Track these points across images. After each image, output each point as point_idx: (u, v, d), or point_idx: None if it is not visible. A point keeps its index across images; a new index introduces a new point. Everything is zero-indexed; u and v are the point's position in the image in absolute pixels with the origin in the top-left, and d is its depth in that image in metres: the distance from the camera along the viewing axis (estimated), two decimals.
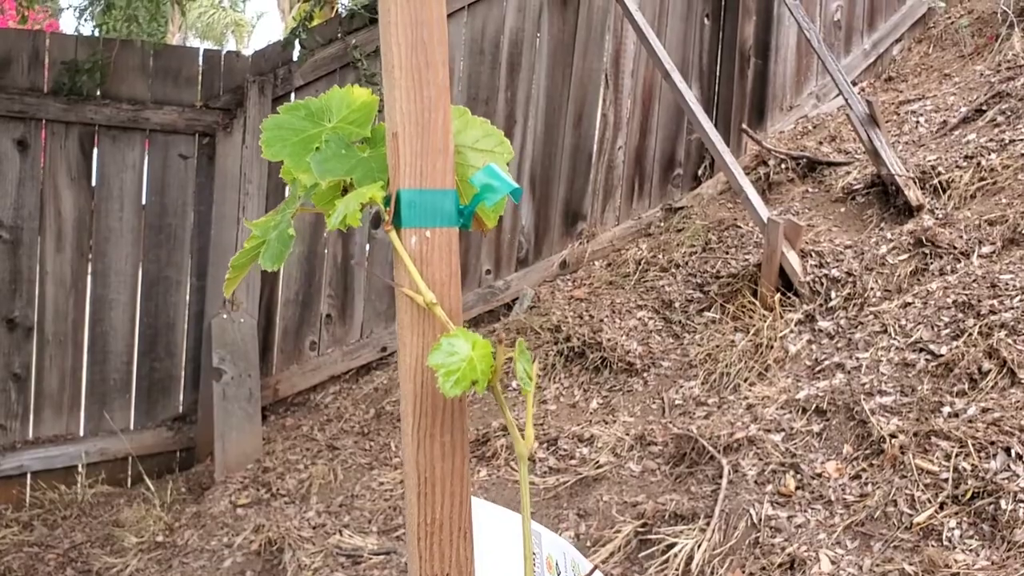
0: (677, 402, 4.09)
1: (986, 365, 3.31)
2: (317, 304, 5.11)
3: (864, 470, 3.17)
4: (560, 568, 1.13)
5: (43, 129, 4.60)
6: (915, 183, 4.61)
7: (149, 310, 4.83)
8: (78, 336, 4.71)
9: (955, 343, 3.49)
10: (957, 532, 2.80)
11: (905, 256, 4.21)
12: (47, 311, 4.64)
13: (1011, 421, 3.02)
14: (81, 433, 4.74)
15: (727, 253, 4.95)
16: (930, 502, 2.91)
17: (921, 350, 3.58)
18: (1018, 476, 2.84)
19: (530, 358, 0.86)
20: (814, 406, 3.54)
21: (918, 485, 2.98)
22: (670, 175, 5.83)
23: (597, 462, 3.77)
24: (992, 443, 2.97)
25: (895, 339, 3.70)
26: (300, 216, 0.96)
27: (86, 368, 4.74)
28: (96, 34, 5.12)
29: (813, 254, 4.41)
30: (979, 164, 4.57)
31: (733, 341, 4.23)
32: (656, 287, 4.96)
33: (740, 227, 5.12)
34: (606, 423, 4.09)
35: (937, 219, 4.38)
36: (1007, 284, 3.66)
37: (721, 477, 3.33)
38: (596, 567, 2.93)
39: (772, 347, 4.06)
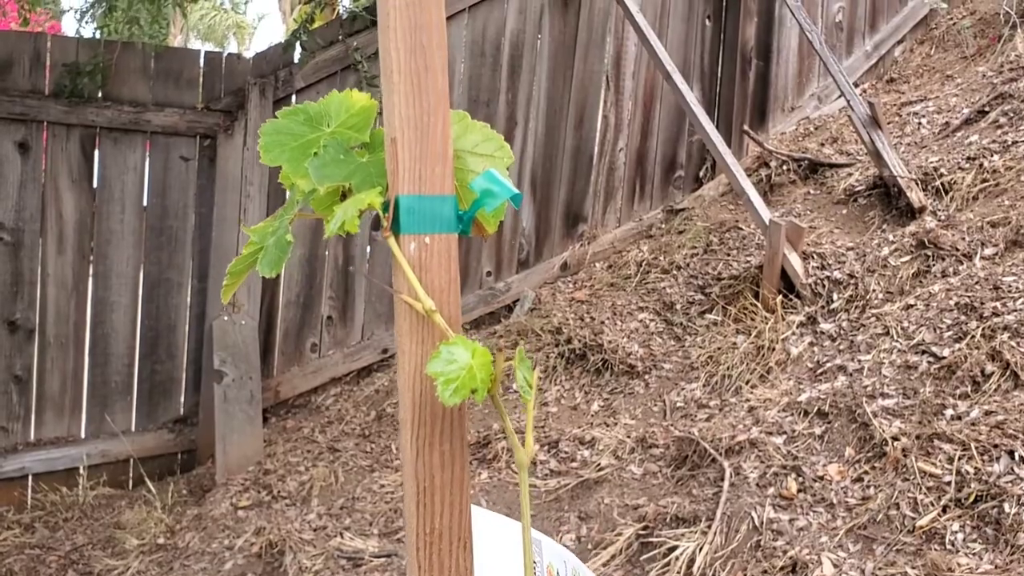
0: (678, 404, 4.08)
1: (989, 367, 3.30)
2: (318, 306, 5.11)
3: (866, 473, 3.16)
4: None
5: (44, 131, 4.60)
6: (917, 185, 4.60)
7: (150, 312, 4.83)
8: (79, 338, 4.71)
9: (958, 345, 3.48)
10: (960, 536, 2.79)
11: (907, 258, 4.20)
12: (48, 313, 4.63)
13: (1014, 424, 3.01)
14: (82, 435, 4.74)
15: (728, 255, 4.94)
16: (933, 505, 2.90)
17: (923, 352, 3.57)
18: (1021, 479, 2.83)
19: (530, 366, 0.85)
20: (816, 408, 3.53)
21: (921, 488, 2.97)
22: (671, 177, 5.82)
23: (598, 465, 3.76)
24: (995, 446, 2.96)
25: (897, 341, 3.69)
26: (301, 218, 0.95)
27: (87, 370, 4.74)
28: (97, 36, 5.13)
29: (815, 256, 4.40)
30: (981, 166, 4.56)
31: (735, 343, 4.22)
32: (657, 289, 4.95)
33: (742, 229, 5.11)
34: (607, 425, 4.08)
35: (939, 221, 4.37)
36: (1010, 286, 3.65)
37: (723, 480, 3.32)
38: None
39: (774, 349, 4.05)
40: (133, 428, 4.82)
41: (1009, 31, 5.84)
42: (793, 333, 4.11)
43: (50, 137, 4.61)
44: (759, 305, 4.35)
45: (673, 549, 3.12)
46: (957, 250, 4.07)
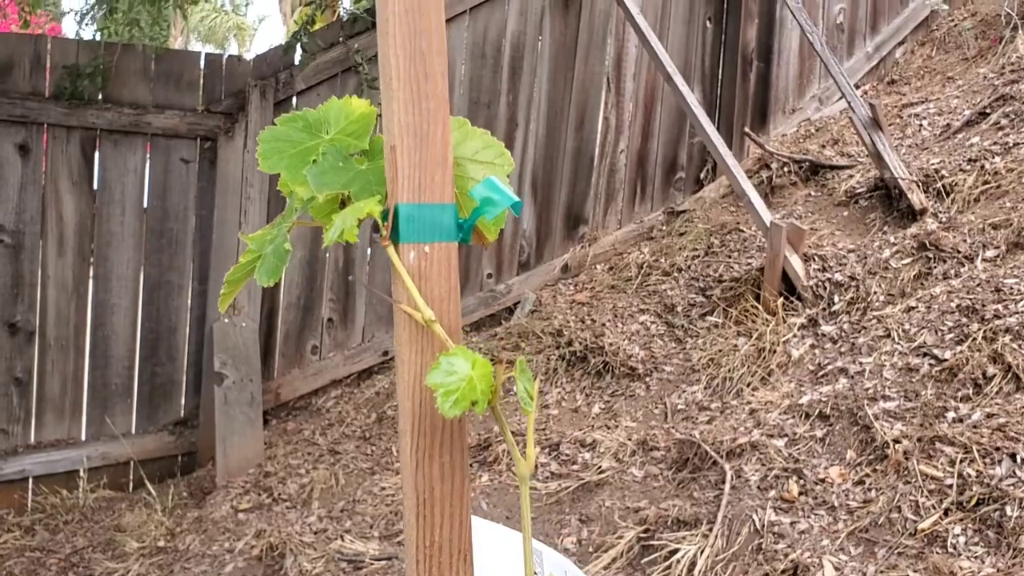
0: (679, 407, 4.07)
1: (991, 370, 3.29)
2: (319, 308, 5.10)
3: (868, 476, 3.16)
4: None
5: (45, 133, 4.60)
6: (918, 187, 4.60)
7: (151, 314, 4.82)
8: (80, 340, 4.71)
9: (959, 348, 3.47)
10: (962, 539, 2.78)
11: (908, 260, 4.19)
12: (49, 315, 4.63)
13: (1016, 427, 3.00)
14: (83, 437, 4.74)
15: (730, 257, 4.94)
16: (935, 508, 2.90)
17: (925, 355, 3.56)
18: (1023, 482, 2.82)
19: (531, 377, 0.84)
20: (817, 411, 3.52)
21: (922, 491, 2.96)
22: (672, 178, 5.82)
23: (599, 467, 3.75)
24: (997, 449, 2.95)
25: (899, 344, 3.68)
26: (300, 226, 0.95)
27: (88, 372, 4.74)
28: (98, 38, 5.13)
29: (816, 258, 4.40)
30: (983, 167, 4.55)
31: (736, 346, 4.21)
32: (658, 291, 4.94)
33: (743, 231, 5.10)
34: (608, 428, 4.07)
35: (941, 223, 4.36)
36: (1011, 288, 3.64)
37: (724, 483, 3.31)
38: None
39: (775, 352, 4.05)
40: (133, 430, 4.82)
41: (1010, 33, 5.84)
42: (794, 335, 4.11)
43: (50, 139, 4.61)
44: (760, 307, 4.34)
45: (674, 552, 3.12)
46: (958, 252, 4.07)
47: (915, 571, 2.72)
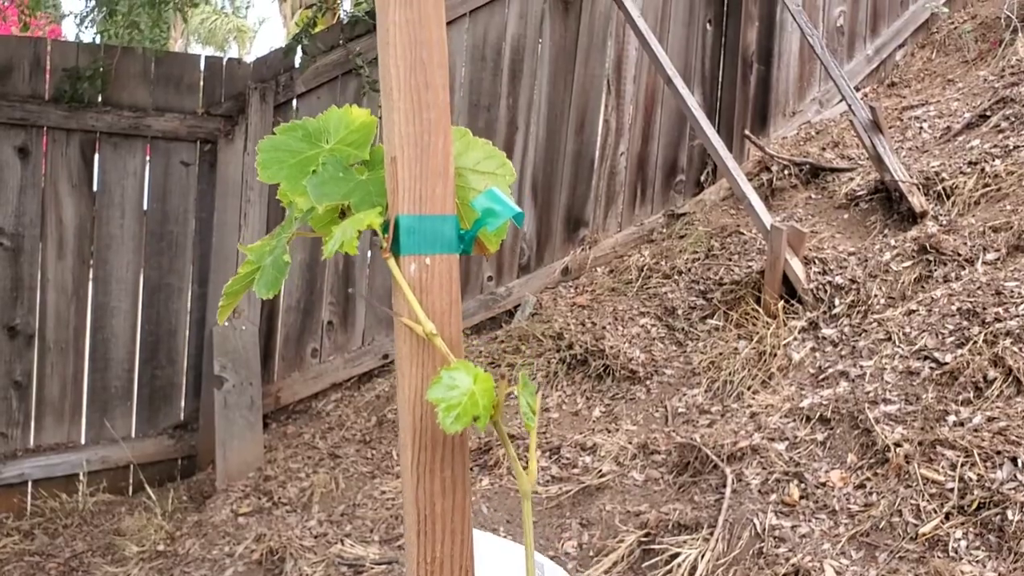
0: (680, 410, 4.07)
1: (991, 373, 3.29)
2: (319, 311, 5.10)
3: (869, 479, 3.15)
4: None
5: (44, 136, 4.60)
6: (919, 189, 4.59)
7: (150, 317, 4.82)
8: (79, 343, 4.70)
9: (960, 351, 3.46)
10: (963, 543, 2.78)
11: (909, 263, 4.19)
12: (48, 318, 4.63)
13: (1017, 430, 3.00)
14: (82, 441, 4.73)
15: (730, 260, 4.93)
16: (936, 512, 2.89)
17: (926, 358, 3.55)
18: None
19: (534, 391, 0.84)
20: (818, 414, 3.52)
21: (923, 495, 2.96)
22: (672, 181, 5.81)
23: (600, 471, 3.75)
24: (998, 453, 2.95)
25: (899, 347, 3.68)
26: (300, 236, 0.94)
27: (87, 376, 4.73)
28: (98, 41, 5.12)
29: (816, 261, 4.39)
30: (983, 170, 4.55)
31: (736, 349, 4.21)
32: (659, 294, 4.94)
33: (743, 234, 5.10)
34: (609, 431, 4.07)
35: (941, 226, 4.36)
36: (1012, 291, 3.64)
37: (725, 486, 3.31)
38: None
39: (775, 355, 4.04)
40: (133, 434, 4.81)
41: (1010, 35, 5.84)
42: (795, 338, 4.10)
43: (50, 142, 4.61)
44: (761, 310, 4.34)
45: (675, 556, 3.11)
46: (959, 255, 4.06)
47: (916, 575, 2.72)
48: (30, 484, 4.58)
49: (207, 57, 5.00)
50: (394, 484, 4.18)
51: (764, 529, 3.07)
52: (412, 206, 0.88)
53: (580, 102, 5.50)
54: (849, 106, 4.95)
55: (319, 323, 5.10)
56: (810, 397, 3.66)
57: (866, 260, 4.35)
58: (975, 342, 3.44)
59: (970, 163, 4.67)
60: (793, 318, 4.21)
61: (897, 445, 3.15)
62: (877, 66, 6.42)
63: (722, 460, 3.45)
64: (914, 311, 3.85)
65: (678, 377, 4.32)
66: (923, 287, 4.03)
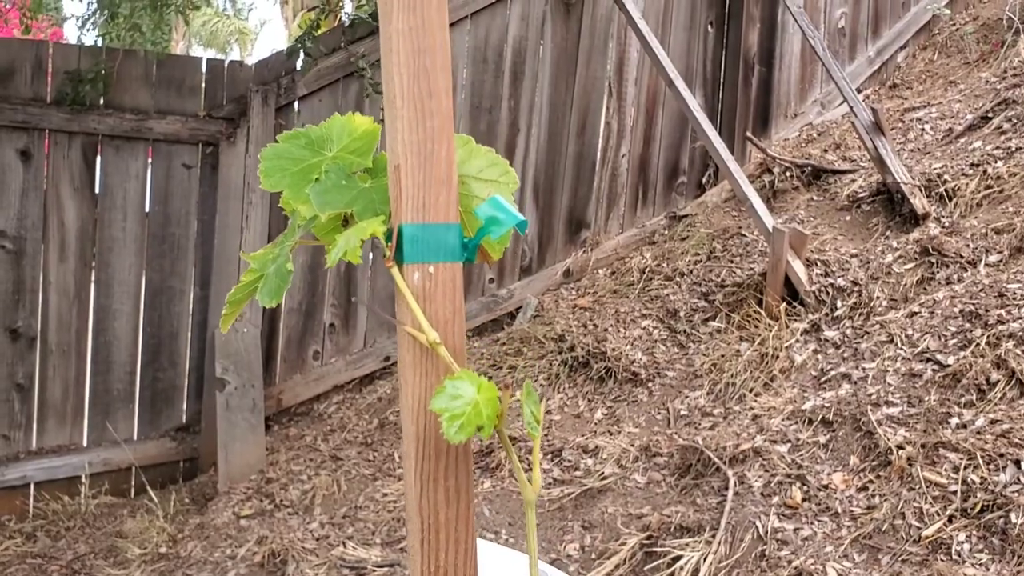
0: (682, 412, 4.07)
1: (994, 376, 3.28)
2: (320, 313, 5.10)
3: (871, 482, 3.15)
4: None
5: (46, 139, 4.60)
6: (921, 191, 4.59)
7: (152, 320, 4.82)
8: (81, 346, 4.70)
9: (962, 353, 3.46)
10: (966, 546, 2.77)
11: (911, 265, 4.18)
12: (50, 321, 4.63)
13: (1020, 433, 2.99)
14: (84, 443, 4.73)
15: (732, 262, 4.93)
16: (938, 515, 2.89)
17: (928, 360, 3.55)
18: None
19: (537, 400, 0.83)
20: (820, 417, 3.51)
21: (926, 498, 2.95)
22: (674, 183, 5.81)
23: (602, 473, 3.75)
24: (1001, 455, 2.94)
25: (902, 349, 3.67)
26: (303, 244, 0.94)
27: (89, 378, 4.74)
28: (99, 43, 5.12)
29: (818, 263, 4.39)
30: (985, 172, 4.55)
31: (738, 351, 4.20)
32: (661, 296, 4.94)
33: (745, 235, 5.10)
34: (611, 434, 4.06)
35: (943, 227, 4.36)
36: (1015, 293, 3.64)
37: (727, 489, 3.30)
38: None
39: (778, 357, 4.04)
40: (135, 436, 4.81)
41: (1012, 37, 5.83)
42: (797, 341, 4.10)
43: (52, 145, 4.61)
44: (763, 312, 4.33)
45: (677, 559, 3.11)
46: (961, 257, 4.06)
47: None
48: (32, 486, 4.58)
49: (209, 59, 5.00)
50: (396, 486, 4.18)
51: (766, 532, 3.07)
52: (416, 214, 0.87)
53: (582, 104, 5.50)
54: (851, 108, 4.95)
55: (321, 325, 5.10)
56: (812, 399, 3.66)
57: (868, 262, 4.35)
58: (978, 344, 3.44)
59: (972, 165, 4.66)
60: (795, 320, 4.21)
61: (900, 447, 3.15)
62: (879, 68, 6.42)
63: (724, 462, 3.44)
64: (916, 313, 3.85)
65: (680, 379, 4.31)
66: (925, 289, 4.02)
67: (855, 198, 4.97)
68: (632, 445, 3.87)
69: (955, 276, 3.99)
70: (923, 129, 5.43)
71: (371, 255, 5.21)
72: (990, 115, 5.08)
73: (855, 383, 3.63)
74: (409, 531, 0.85)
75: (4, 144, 4.50)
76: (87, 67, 4.58)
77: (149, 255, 4.80)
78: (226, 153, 4.82)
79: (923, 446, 3.10)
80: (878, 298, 4.09)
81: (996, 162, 4.59)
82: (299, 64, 4.92)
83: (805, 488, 3.22)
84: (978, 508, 2.83)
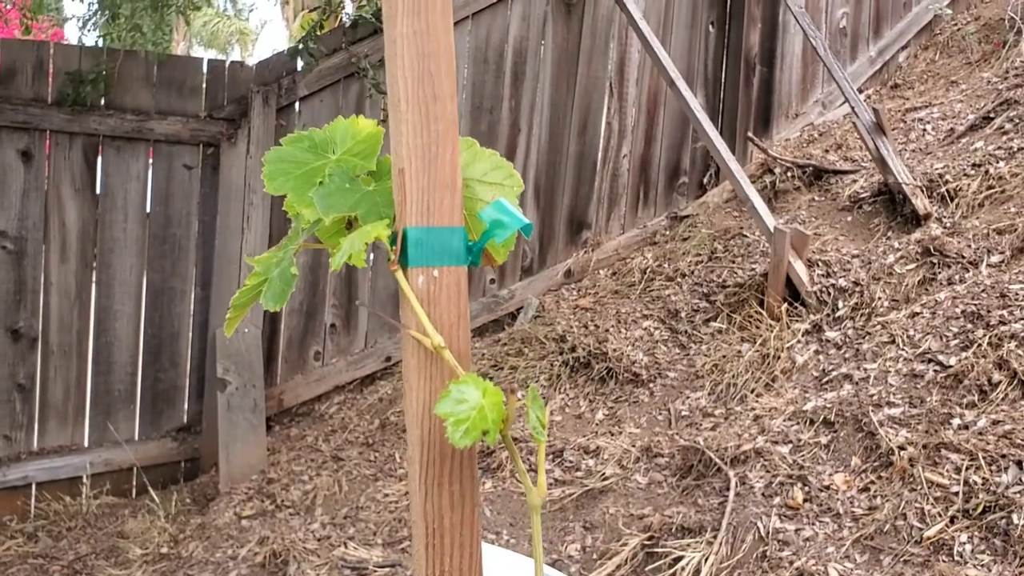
0: (683, 413, 4.06)
1: (996, 376, 3.28)
2: (321, 314, 5.10)
3: (873, 483, 3.14)
4: None
5: (47, 140, 4.60)
6: (922, 191, 4.59)
7: (153, 320, 4.82)
8: (82, 346, 4.71)
9: (964, 354, 3.46)
10: (968, 547, 2.77)
11: (913, 265, 4.18)
12: (51, 321, 4.63)
13: (1022, 434, 2.99)
14: (86, 444, 4.73)
15: (733, 262, 4.93)
16: (940, 516, 2.88)
17: (930, 361, 3.55)
18: None
19: (543, 404, 0.83)
20: (822, 417, 3.51)
21: (928, 498, 2.95)
22: (675, 183, 5.81)
23: (603, 474, 3.74)
24: (1003, 456, 2.94)
25: (903, 350, 3.67)
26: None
27: (90, 378, 4.74)
28: (100, 44, 5.12)
29: (820, 263, 4.39)
30: (987, 172, 4.54)
31: (740, 351, 4.20)
32: (662, 297, 4.93)
33: (746, 236, 5.09)
34: (612, 434, 4.06)
35: (945, 228, 4.35)
36: (1016, 294, 3.63)
37: (728, 489, 3.30)
38: None
39: (779, 357, 4.04)
40: (136, 436, 4.81)
41: (1014, 37, 5.83)
42: (798, 341, 4.10)
43: (53, 145, 4.61)
44: (764, 313, 4.33)
45: (679, 559, 3.11)
46: (963, 257, 4.05)
47: None
48: (34, 486, 4.58)
49: (210, 60, 5.00)
50: (397, 487, 4.18)
51: (768, 532, 3.07)
52: (420, 218, 0.87)
53: (583, 104, 5.50)
54: (852, 108, 4.95)
55: (322, 326, 5.10)
56: (814, 400, 3.66)
57: (870, 262, 4.35)
58: (979, 345, 3.44)
59: (974, 165, 4.66)
60: (796, 321, 4.21)
61: (901, 448, 3.14)
62: (880, 68, 6.42)
63: (726, 463, 3.44)
64: (918, 314, 3.84)
65: (681, 380, 4.31)
66: (927, 290, 4.02)
67: (857, 198, 4.97)
68: (633, 446, 3.87)
69: (957, 277, 3.98)
70: (925, 129, 5.43)
71: (371, 256, 5.21)
72: (992, 115, 5.07)
73: (857, 384, 3.63)
74: (414, 535, 0.85)
75: (5, 144, 4.50)
76: (88, 68, 4.58)
77: (150, 256, 4.80)
78: (227, 154, 4.82)
79: (925, 447, 3.10)
80: (880, 299, 4.09)
81: (998, 162, 4.59)
82: (300, 65, 4.92)
83: (806, 489, 3.21)
84: (980, 509, 2.83)
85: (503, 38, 5.32)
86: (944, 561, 2.75)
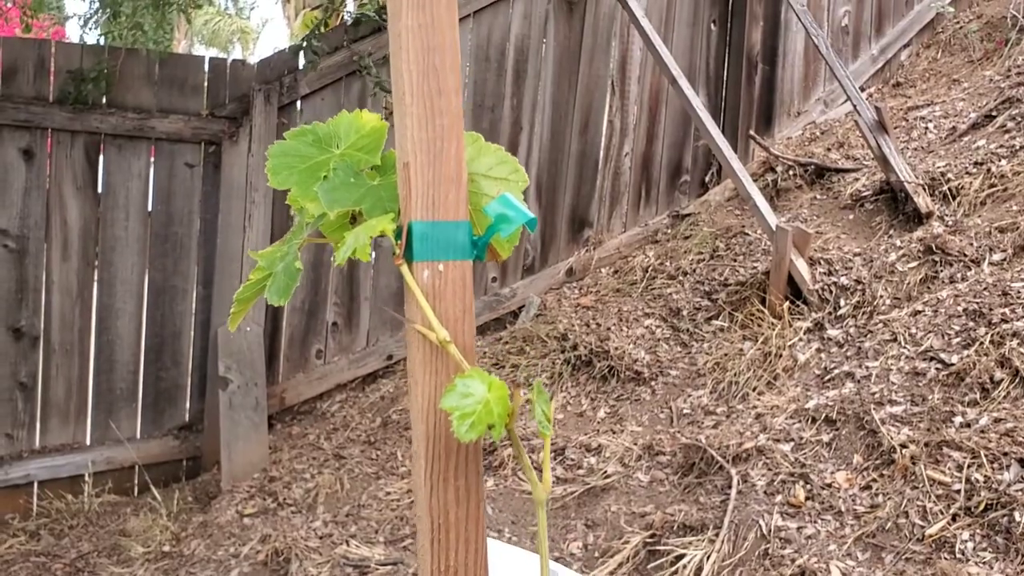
0: (685, 411, 4.06)
1: (998, 374, 3.28)
2: (323, 312, 5.09)
3: (875, 480, 3.14)
4: None
5: (49, 138, 4.60)
6: (924, 190, 4.58)
7: (155, 319, 4.82)
8: (84, 345, 4.71)
9: (966, 352, 3.45)
10: (970, 544, 2.77)
11: (915, 264, 4.18)
12: (53, 320, 4.63)
13: None
14: (87, 442, 4.73)
15: (735, 261, 4.92)
16: (942, 514, 2.88)
17: (932, 359, 3.55)
18: None
19: (548, 398, 0.83)
20: (824, 415, 3.51)
21: (930, 496, 2.95)
22: (677, 182, 5.81)
23: (605, 472, 3.74)
24: (1005, 454, 2.94)
25: (905, 348, 3.67)
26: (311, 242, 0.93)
27: (92, 377, 4.74)
28: (102, 42, 5.12)
29: (822, 262, 4.38)
30: (989, 171, 4.54)
31: (741, 350, 4.20)
32: (664, 295, 4.93)
33: (748, 234, 5.09)
34: (614, 432, 4.06)
35: (947, 226, 4.35)
36: (1019, 292, 3.63)
37: (730, 487, 3.30)
38: None
39: (781, 356, 4.03)
40: (138, 435, 4.82)
41: (1016, 35, 5.82)
42: (800, 339, 4.10)
43: (54, 144, 4.61)
44: (766, 311, 4.33)
45: (681, 557, 3.11)
46: (965, 256, 4.05)
47: None
48: (36, 485, 4.58)
49: (211, 59, 5.00)
50: (399, 485, 4.18)
51: (770, 530, 3.07)
52: (425, 212, 0.87)
53: (584, 102, 5.50)
54: (854, 106, 4.94)
55: (323, 324, 5.10)
56: (816, 398, 3.66)
57: (871, 261, 4.34)
58: (981, 343, 3.43)
59: (976, 163, 4.66)
60: (798, 319, 4.20)
61: (903, 446, 3.14)
62: (882, 66, 6.41)
63: (727, 461, 3.44)
64: (920, 312, 3.84)
65: (683, 378, 4.31)
66: (929, 288, 4.02)
67: (858, 197, 4.97)
68: (635, 444, 3.87)
69: (959, 275, 3.98)
70: (927, 128, 5.42)
71: (373, 255, 5.21)
72: (994, 113, 5.07)
73: (858, 382, 3.63)
74: (419, 531, 0.85)
75: (7, 143, 4.50)
76: (89, 66, 4.58)
77: (152, 254, 4.80)
78: (229, 152, 4.82)
79: (927, 445, 3.10)
80: (881, 297, 4.08)
81: (1000, 161, 4.59)
82: (302, 63, 4.92)
83: (808, 487, 3.21)
84: (982, 507, 2.83)
85: (505, 36, 5.32)
86: (946, 559, 2.75)
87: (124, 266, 4.74)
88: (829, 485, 3.21)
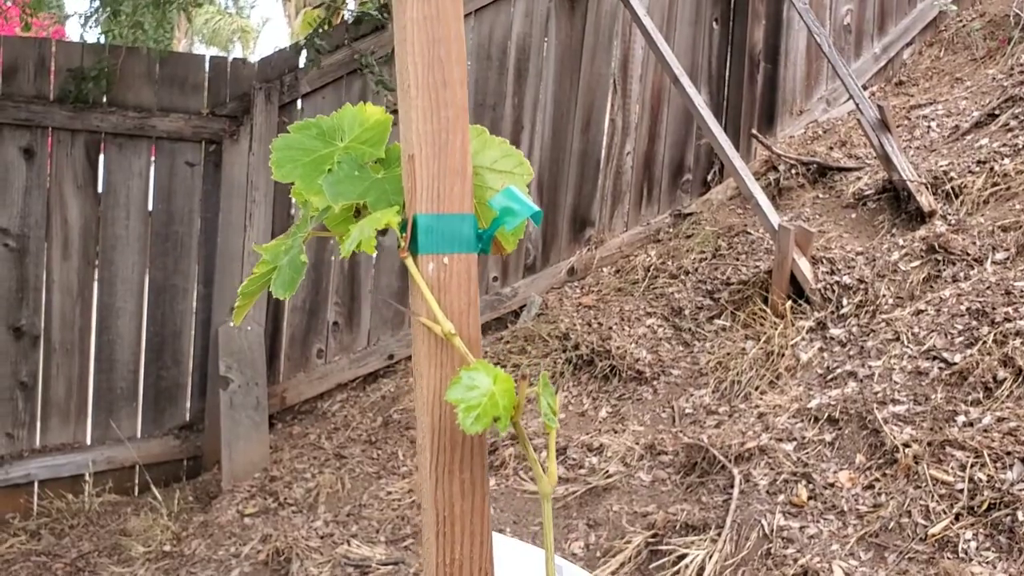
0: (687, 411, 4.06)
1: (1001, 374, 3.27)
2: (324, 311, 5.09)
3: (877, 480, 3.13)
4: None
5: (49, 137, 4.59)
6: (927, 189, 4.57)
7: (156, 318, 4.81)
8: (85, 344, 4.70)
9: (969, 351, 3.45)
10: (973, 544, 2.76)
11: (917, 263, 4.17)
12: (54, 319, 4.62)
13: None
14: (88, 442, 4.73)
15: (737, 260, 4.92)
16: (945, 513, 2.87)
17: (934, 358, 3.54)
18: None
19: (553, 392, 0.82)
20: (826, 415, 3.50)
21: (933, 496, 2.94)
22: (679, 181, 5.80)
23: (607, 471, 3.74)
24: (1008, 453, 2.93)
25: (908, 347, 3.66)
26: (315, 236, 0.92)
27: (93, 376, 4.73)
28: (102, 41, 5.12)
29: (824, 261, 4.38)
30: (992, 169, 4.53)
31: (744, 349, 4.19)
32: (666, 294, 4.92)
33: (750, 233, 5.08)
34: (615, 432, 4.05)
35: (950, 225, 4.34)
36: (1021, 291, 3.62)
37: (732, 487, 3.30)
38: None
39: (783, 355, 4.03)
40: (139, 434, 4.81)
41: (1019, 33, 5.81)
42: (803, 339, 4.09)
43: (55, 143, 4.61)
44: (768, 310, 4.32)
45: (683, 557, 3.10)
46: (968, 255, 4.04)
47: None
48: (36, 484, 4.58)
49: (212, 57, 4.99)
50: (400, 484, 4.17)
51: (772, 530, 3.06)
52: (430, 205, 0.86)
53: (586, 101, 5.49)
54: (856, 105, 4.93)
55: (324, 323, 5.09)
56: (818, 397, 3.65)
57: (874, 260, 4.33)
58: (984, 342, 3.43)
59: (979, 162, 4.65)
60: (801, 318, 4.20)
61: (906, 446, 3.13)
62: (885, 64, 6.40)
63: (730, 461, 3.43)
64: (923, 311, 3.83)
65: (685, 377, 4.30)
66: (932, 287, 4.01)
67: (861, 196, 4.96)
68: (637, 443, 3.86)
69: (961, 274, 3.97)
70: (929, 126, 5.41)
71: (374, 254, 5.19)
72: (997, 112, 5.06)
73: (861, 381, 3.62)
74: (424, 523, 0.84)
75: (7, 142, 4.49)
76: (90, 65, 4.58)
77: (152, 253, 4.79)
78: (229, 151, 4.81)
79: (929, 444, 3.09)
80: (884, 296, 4.08)
81: (1003, 159, 4.58)
82: (303, 62, 4.91)
83: (811, 486, 3.21)
84: (985, 506, 2.82)
85: (506, 34, 5.31)
86: (949, 558, 2.74)
87: (125, 265, 4.74)
88: (832, 485, 3.20)
